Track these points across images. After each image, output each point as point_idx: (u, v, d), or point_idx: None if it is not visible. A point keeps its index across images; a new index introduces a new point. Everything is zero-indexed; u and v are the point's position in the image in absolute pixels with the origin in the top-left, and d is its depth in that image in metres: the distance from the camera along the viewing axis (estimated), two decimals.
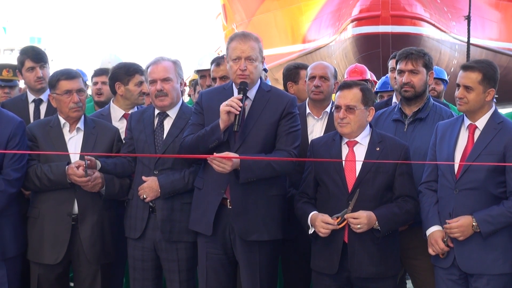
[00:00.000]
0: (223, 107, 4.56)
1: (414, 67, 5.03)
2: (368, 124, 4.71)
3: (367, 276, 4.56)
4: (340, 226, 4.47)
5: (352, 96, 4.61)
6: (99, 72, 6.52)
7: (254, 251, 4.74)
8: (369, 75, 8.68)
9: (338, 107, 4.64)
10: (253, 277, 4.76)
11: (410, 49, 5.15)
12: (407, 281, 6.34)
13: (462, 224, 4.40)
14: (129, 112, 5.72)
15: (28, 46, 6.25)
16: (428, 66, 5.08)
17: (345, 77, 8.57)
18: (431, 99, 5.20)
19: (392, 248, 4.67)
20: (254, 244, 4.73)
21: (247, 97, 4.74)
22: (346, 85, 4.69)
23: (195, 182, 4.90)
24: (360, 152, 4.64)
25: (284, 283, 5.63)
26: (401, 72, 5.09)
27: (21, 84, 6.76)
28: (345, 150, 4.68)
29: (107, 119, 5.63)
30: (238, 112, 4.54)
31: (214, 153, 4.53)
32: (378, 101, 7.29)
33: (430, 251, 4.58)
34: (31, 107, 5.80)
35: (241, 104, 4.56)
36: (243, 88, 4.65)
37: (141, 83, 5.73)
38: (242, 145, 4.69)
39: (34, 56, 5.82)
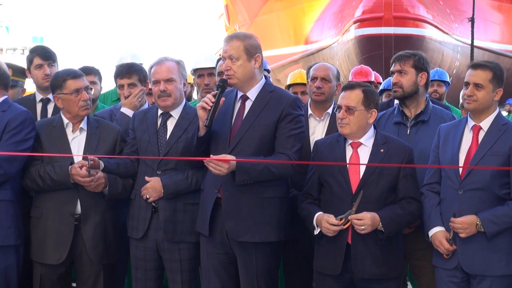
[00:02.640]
0: (198, 104, 4.63)
1: (401, 68, 5.10)
2: (372, 126, 4.72)
3: (370, 277, 4.56)
4: (345, 226, 4.49)
5: (354, 97, 4.63)
6: (86, 71, 6.47)
7: (250, 252, 4.73)
8: (374, 77, 8.68)
9: (339, 107, 4.67)
10: (250, 278, 4.76)
11: (402, 52, 5.24)
12: (408, 283, 6.36)
13: (465, 221, 4.41)
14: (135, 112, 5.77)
15: (38, 45, 6.27)
16: (418, 67, 5.11)
17: (350, 78, 8.57)
18: (430, 102, 5.23)
19: (396, 249, 4.67)
20: (250, 245, 4.71)
21: (247, 98, 4.77)
22: (349, 86, 4.71)
23: (201, 184, 4.92)
24: (364, 154, 4.65)
25: (286, 284, 5.63)
26: (392, 73, 5.18)
27: (28, 85, 6.75)
28: (349, 151, 4.68)
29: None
30: (209, 107, 4.56)
31: (211, 155, 4.54)
32: (382, 100, 7.31)
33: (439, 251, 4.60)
34: (39, 106, 5.80)
35: (213, 100, 4.57)
36: (221, 85, 4.67)
37: (121, 86, 5.79)
38: (237, 145, 4.68)
39: (43, 53, 5.84)
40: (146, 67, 5.95)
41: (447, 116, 5.15)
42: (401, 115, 5.15)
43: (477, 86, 4.54)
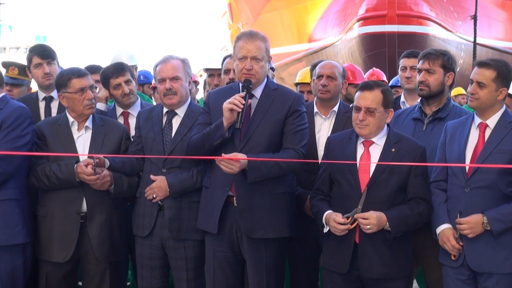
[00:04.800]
0: (226, 104, 4.59)
1: (430, 67, 5.07)
2: (386, 125, 4.69)
3: (378, 277, 4.55)
4: (353, 226, 4.48)
5: (373, 98, 4.57)
6: (92, 70, 6.41)
7: (260, 249, 4.75)
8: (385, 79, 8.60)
9: (358, 108, 4.61)
10: (259, 275, 4.77)
11: (431, 49, 5.21)
12: (413, 280, 6.35)
13: (471, 220, 4.40)
14: (128, 110, 5.83)
15: (37, 44, 6.26)
16: (446, 67, 5.10)
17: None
18: (451, 101, 5.21)
19: (404, 249, 4.65)
20: (260, 242, 4.74)
21: (253, 95, 4.78)
22: (367, 86, 4.64)
23: (203, 181, 4.92)
24: (376, 152, 4.62)
25: (291, 282, 5.63)
26: (419, 71, 5.13)
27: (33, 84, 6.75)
28: (360, 149, 4.66)
29: (112, 114, 5.78)
30: (240, 110, 4.56)
31: (223, 154, 4.55)
32: None
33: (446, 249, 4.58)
34: (42, 105, 5.81)
35: (243, 102, 4.58)
36: (247, 86, 4.68)
37: (118, 85, 5.78)
38: (248, 143, 4.71)
39: (41, 52, 5.84)
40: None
41: (466, 115, 5.02)
42: (420, 112, 5.14)
43: (480, 84, 4.52)
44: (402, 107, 5.99)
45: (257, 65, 4.72)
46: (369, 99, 4.57)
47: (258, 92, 4.82)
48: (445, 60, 5.10)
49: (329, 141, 4.85)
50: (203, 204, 4.91)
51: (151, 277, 5.10)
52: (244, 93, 4.64)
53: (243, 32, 4.86)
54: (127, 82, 5.80)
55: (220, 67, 6.65)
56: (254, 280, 4.79)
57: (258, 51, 4.72)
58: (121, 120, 5.80)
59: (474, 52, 24.19)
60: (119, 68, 5.84)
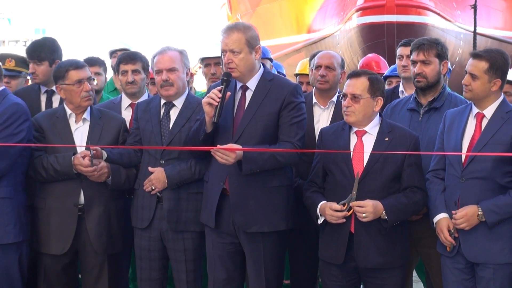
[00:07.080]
0: (204, 99, 4.61)
1: (426, 58, 5.04)
2: (378, 114, 4.70)
3: (373, 267, 4.55)
4: (349, 213, 4.47)
5: (359, 84, 4.60)
6: (90, 62, 6.39)
7: (257, 242, 4.74)
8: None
9: (344, 96, 4.64)
10: (258, 268, 4.77)
11: (423, 39, 5.17)
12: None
13: (466, 213, 4.39)
14: (135, 102, 5.74)
15: (35, 40, 6.23)
16: (441, 56, 5.08)
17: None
18: (447, 89, 5.20)
19: (400, 238, 4.64)
20: (257, 235, 4.73)
21: (247, 88, 4.77)
22: (354, 74, 4.67)
23: (205, 175, 4.92)
24: (369, 142, 4.62)
25: (291, 273, 5.63)
26: (414, 62, 5.10)
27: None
28: (353, 139, 4.66)
29: (117, 107, 5.72)
30: (217, 103, 4.54)
31: (218, 145, 4.54)
32: (386, 87, 7.26)
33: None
34: (43, 98, 5.78)
35: (219, 95, 4.56)
36: (226, 80, 4.65)
37: (125, 72, 5.76)
38: (242, 135, 4.68)
39: (28, 52, 5.85)
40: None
41: (462, 103, 5.01)
42: (416, 102, 5.13)
43: (473, 76, 4.50)
44: (400, 96, 5.97)
45: (235, 58, 4.67)
46: (355, 86, 4.60)
47: (252, 84, 4.78)
48: (439, 49, 5.08)
49: (322, 133, 4.84)
50: (204, 198, 4.92)
51: (150, 268, 5.11)
52: (222, 86, 4.62)
53: (224, 26, 4.84)
54: (135, 71, 5.76)
55: (214, 55, 6.62)
56: (253, 273, 4.79)
57: (234, 43, 4.66)
58: (128, 111, 5.75)
59: (474, 42, 24.16)
60: (130, 56, 5.83)
